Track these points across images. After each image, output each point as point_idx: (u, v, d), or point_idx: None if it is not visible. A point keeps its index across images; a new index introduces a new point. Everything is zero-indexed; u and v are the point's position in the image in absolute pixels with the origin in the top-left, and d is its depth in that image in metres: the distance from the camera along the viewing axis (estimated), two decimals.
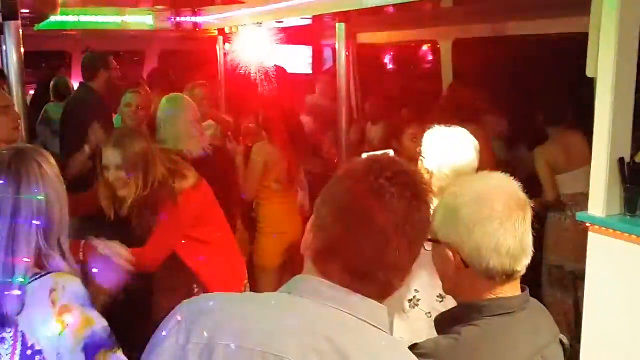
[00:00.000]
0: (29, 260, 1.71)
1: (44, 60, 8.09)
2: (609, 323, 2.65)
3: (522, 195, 1.48)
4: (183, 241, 3.09)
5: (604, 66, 2.58)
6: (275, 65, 5.57)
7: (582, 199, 4.06)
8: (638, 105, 2.68)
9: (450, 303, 2.17)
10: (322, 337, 1.07)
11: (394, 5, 4.70)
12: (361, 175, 1.13)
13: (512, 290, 1.48)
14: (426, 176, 2.54)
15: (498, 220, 1.42)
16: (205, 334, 1.06)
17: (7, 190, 1.72)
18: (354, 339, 1.09)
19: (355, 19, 4.81)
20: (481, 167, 4.49)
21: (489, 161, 4.60)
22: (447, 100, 4.77)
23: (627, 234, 2.54)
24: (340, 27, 4.55)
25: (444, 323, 1.51)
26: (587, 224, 2.69)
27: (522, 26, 5.32)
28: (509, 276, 1.45)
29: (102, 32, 6.70)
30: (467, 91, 4.71)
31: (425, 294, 2.44)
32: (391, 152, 2.81)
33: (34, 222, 1.72)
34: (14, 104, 3.18)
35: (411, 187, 1.13)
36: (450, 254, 1.48)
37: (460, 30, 6.06)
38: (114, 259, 2.29)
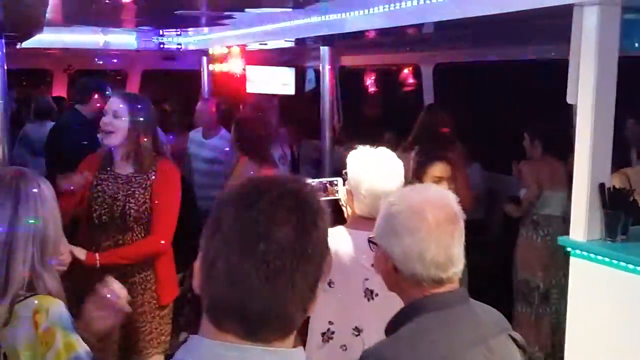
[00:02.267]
0: (23, 280, 1.71)
1: (25, 77, 8.04)
2: (591, 344, 2.68)
3: (454, 209, 1.58)
4: None
5: (583, 93, 2.63)
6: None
7: (554, 221, 4.16)
8: (616, 131, 2.73)
9: (367, 336, 2.19)
10: None
11: (377, 29, 4.76)
12: (242, 202, 1.02)
13: (446, 289, 1.56)
14: (343, 198, 2.47)
15: (424, 231, 1.52)
16: None
17: (5, 210, 1.72)
18: None
19: (338, 42, 4.85)
20: (457, 191, 4.53)
21: (465, 185, 4.58)
22: (424, 123, 4.77)
23: (607, 259, 2.57)
24: (325, 50, 4.59)
25: (390, 329, 1.58)
26: (569, 249, 2.72)
27: (504, 52, 5.42)
28: (436, 282, 1.54)
29: (84, 50, 6.68)
30: (444, 114, 4.73)
31: (339, 326, 2.31)
32: (339, 180, 2.58)
33: (30, 242, 1.72)
34: None
35: (298, 210, 1.02)
36: (385, 257, 1.59)
37: (441, 55, 6.15)
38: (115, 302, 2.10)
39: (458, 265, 1.56)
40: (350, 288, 2.27)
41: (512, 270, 4.48)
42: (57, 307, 1.72)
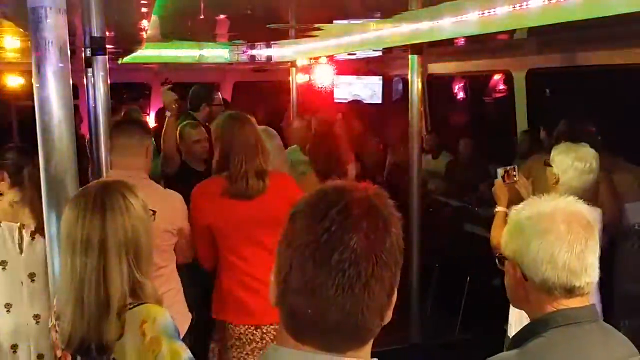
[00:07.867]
0: (125, 292, 1.73)
1: (126, 91, 8.45)
2: None
3: (587, 218, 1.52)
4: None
5: None
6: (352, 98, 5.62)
7: None
8: None
9: None
10: None
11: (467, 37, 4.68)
12: (312, 214, 1.02)
13: (577, 304, 1.50)
14: (552, 181, 2.95)
15: (555, 234, 1.47)
16: None
17: (94, 224, 1.73)
18: None
19: (427, 50, 4.80)
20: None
21: (608, 193, 4.24)
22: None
23: None
24: (413, 59, 4.55)
25: (517, 342, 1.54)
26: None
27: (601, 56, 5.19)
28: (568, 291, 1.48)
29: (180, 65, 6.96)
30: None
31: (514, 329, 2.39)
32: (517, 168, 3.24)
33: (124, 252, 1.74)
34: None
35: (369, 217, 1.01)
36: (513, 267, 1.54)
37: (535, 60, 5.97)
38: None
39: (592, 275, 1.49)
40: None
41: (616, 286, 4.24)
42: (163, 316, 1.75)
